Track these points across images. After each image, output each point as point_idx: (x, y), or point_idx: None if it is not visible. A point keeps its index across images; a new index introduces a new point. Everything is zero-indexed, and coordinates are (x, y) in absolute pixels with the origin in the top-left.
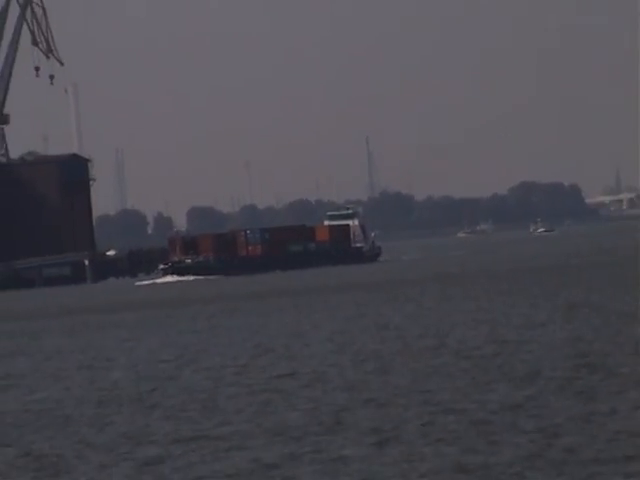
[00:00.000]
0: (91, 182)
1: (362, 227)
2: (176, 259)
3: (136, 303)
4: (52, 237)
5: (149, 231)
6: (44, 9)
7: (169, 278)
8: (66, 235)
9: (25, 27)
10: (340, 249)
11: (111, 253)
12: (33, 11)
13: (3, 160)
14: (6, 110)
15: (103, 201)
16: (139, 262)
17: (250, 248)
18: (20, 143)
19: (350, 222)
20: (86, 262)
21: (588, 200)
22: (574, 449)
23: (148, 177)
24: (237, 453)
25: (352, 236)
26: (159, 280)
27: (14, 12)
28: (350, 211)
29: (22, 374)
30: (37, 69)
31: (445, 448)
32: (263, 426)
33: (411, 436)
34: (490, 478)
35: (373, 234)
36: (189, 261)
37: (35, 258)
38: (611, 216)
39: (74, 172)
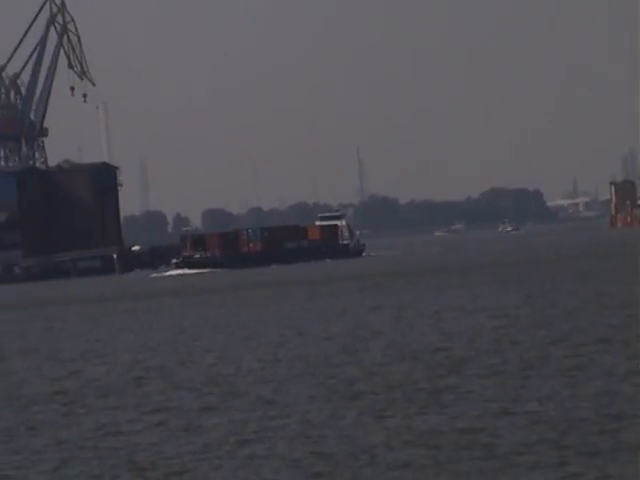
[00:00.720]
0: (119, 187)
1: (348, 227)
2: (187, 254)
3: (156, 292)
4: (85, 234)
5: (169, 229)
6: (78, 37)
7: (180, 271)
8: (97, 232)
9: (62, 52)
10: (329, 246)
11: (136, 248)
12: (69, 39)
13: (43, 167)
14: (45, 124)
15: (129, 203)
16: (160, 256)
17: (251, 245)
18: (57, 153)
19: (338, 222)
20: (114, 256)
21: (549, 203)
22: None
23: (168, 182)
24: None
25: (340, 234)
26: (171, 272)
27: (52, 40)
28: (338, 213)
29: (64, 352)
30: (72, 89)
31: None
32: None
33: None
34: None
35: (358, 233)
36: (198, 256)
37: (70, 252)
38: (569, 217)
39: (104, 178)
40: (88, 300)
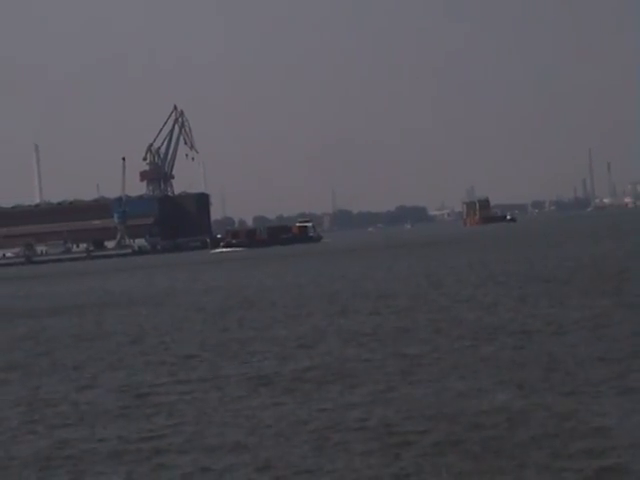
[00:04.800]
0: (210, 205)
1: (313, 227)
2: (228, 240)
3: (226, 258)
4: (192, 229)
5: (235, 227)
6: (190, 128)
7: (224, 249)
8: (198, 228)
9: (181, 137)
10: (302, 237)
11: (219, 236)
12: (185, 129)
13: (171, 195)
14: (173, 173)
15: (215, 213)
16: None
17: (261, 236)
18: (179, 187)
19: (307, 224)
20: (208, 240)
21: (429, 213)
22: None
23: (236, 201)
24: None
25: (307, 230)
26: (220, 250)
27: (176, 130)
28: (307, 219)
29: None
30: (186, 155)
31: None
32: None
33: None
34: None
35: (319, 230)
36: (234, 241)
37: (185, 238)
38: (439, 221)
39: (202, 200)
40: (195, 263)
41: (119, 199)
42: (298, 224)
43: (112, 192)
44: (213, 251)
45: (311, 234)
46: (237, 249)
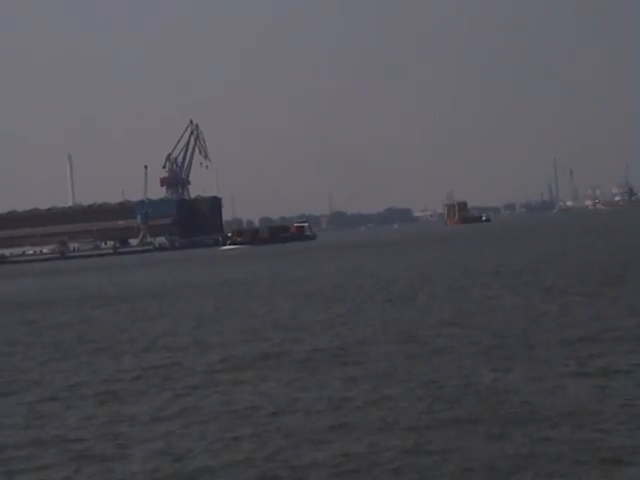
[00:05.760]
0: (222, 207)
1: (309, 226)
2: (234, 238)
3: (232, 254)
4: (206, 228)
5: (243, 227)
6: (204, 140)
7: (231, 247)
8: (211, 227)
9: (196, 147)
10: (300, 235)
11: (229, 234)
12: (199, 141)
13: (188, 198)
14: (190, 179)
15: (226, 214)
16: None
17: (263, 235)
18: (194, 191)
19: (304, 224)
20: (220, 238)
21: (414, 214)
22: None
23: (244, 204)
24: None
25: (304, 230)
26: (227, 247)
27: (192, 141)
28: (304, 220)
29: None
30: (201, 163)
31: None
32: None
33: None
34: None
35: (315, 229)
36: (239, 239)
37: (200, 236)
38: (423, 221)
39: (215, 203)
40: (208, 258)
41: (142, 202)
42: (296, 224)
43: (135, 196)
44: (221, 248)
45: (307, 233)
46: (242, 246)
